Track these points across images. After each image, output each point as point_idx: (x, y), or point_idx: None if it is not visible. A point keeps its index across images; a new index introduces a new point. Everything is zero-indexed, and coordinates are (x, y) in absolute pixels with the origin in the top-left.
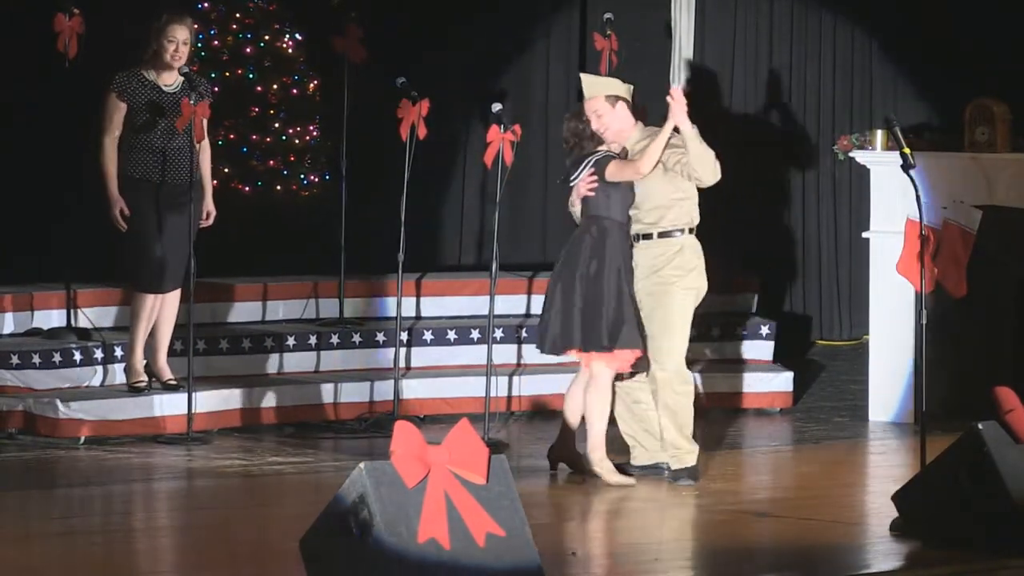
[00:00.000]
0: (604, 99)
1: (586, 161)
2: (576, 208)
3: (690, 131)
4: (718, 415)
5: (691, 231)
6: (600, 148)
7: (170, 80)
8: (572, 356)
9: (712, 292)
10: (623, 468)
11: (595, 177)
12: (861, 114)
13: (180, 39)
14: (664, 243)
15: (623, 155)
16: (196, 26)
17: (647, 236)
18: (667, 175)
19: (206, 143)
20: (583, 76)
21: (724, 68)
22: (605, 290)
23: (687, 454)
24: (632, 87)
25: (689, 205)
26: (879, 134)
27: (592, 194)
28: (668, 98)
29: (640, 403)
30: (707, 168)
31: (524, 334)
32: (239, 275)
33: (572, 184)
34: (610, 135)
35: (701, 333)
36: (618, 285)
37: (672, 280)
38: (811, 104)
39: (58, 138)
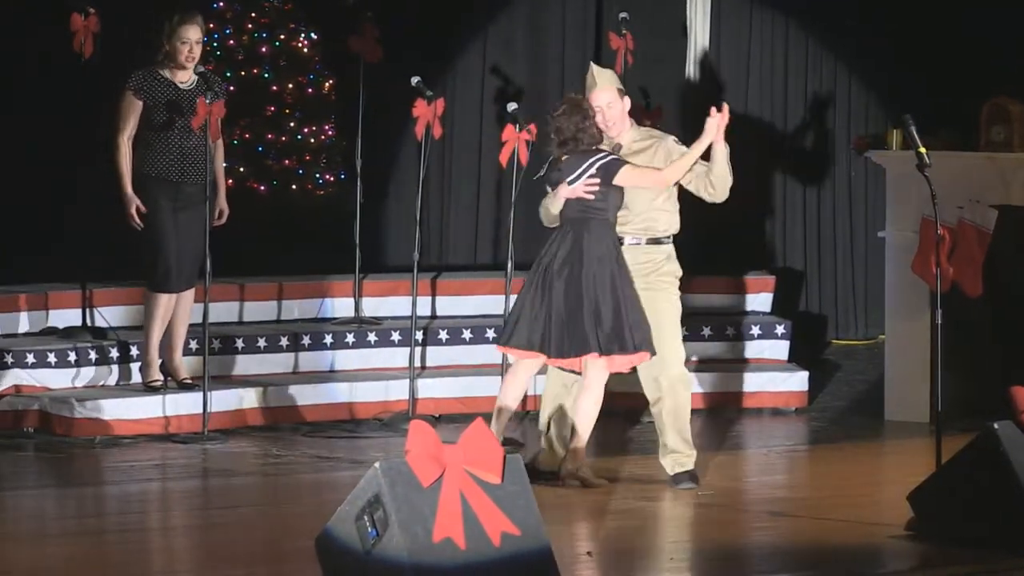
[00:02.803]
0: (616, 91)
1: (590, 162)
2: (556, 206)
3: (723, 151)
4: (733, 415)
5: (672, 240)
6: (601, 148)
7: (185, 78)
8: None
9: (727, 291)
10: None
11: (597, 180)
12: (877, 113)
13: (193, 39)
14: (654, 249)
15: (616, 153)
16: (211, 25)
17: (635, 241)
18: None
19: (220, 142)
20: (594, 66)
21: (740, 66)
22: (608, 293)
23: (687, 457)
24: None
25: (675, 215)
26: (895, 133)
27: (591, 197)
28: (712, 116)
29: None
30: (725, 188)
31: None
32: (254, 274)
33: (570, 184)
34: (615, 130)
35: (716, 332)
36: (619, 287)
37: (663, 286)
38: (827, 102)
39: (73, 137)
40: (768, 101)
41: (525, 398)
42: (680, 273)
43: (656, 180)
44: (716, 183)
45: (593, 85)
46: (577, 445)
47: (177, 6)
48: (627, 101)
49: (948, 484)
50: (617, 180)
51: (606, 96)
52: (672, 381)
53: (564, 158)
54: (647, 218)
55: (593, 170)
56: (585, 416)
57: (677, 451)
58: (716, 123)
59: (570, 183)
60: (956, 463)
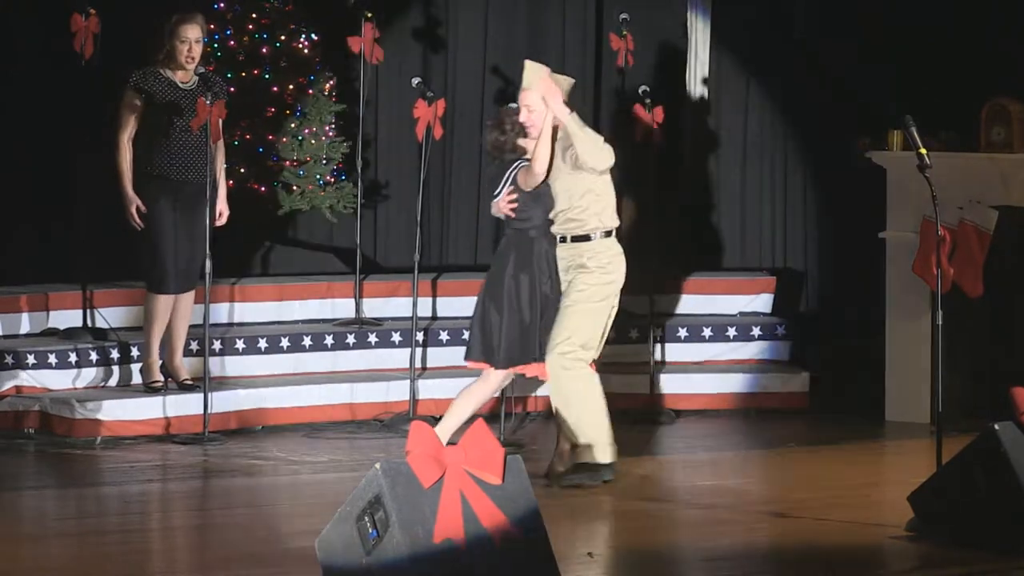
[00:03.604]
0: (541, 96)
1: (506, 176)
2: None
3: (566, 117)
4: (734, 415)
5: (607, 234)
6: (524, 158)
7: (186, 78)
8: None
9: (728, 292)
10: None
11: (515, 194)
12: (878, 113)
13: (192, 38)
14: (579, 246)
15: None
16: (212, 26)
17: (562, 239)
18: (575, 172)
19: (220, 143)
20: (528, 64)
21: (741, 67)
22: (515, 303)
23: (584, 450)
24: (572, 82)
25: (601, 205)
26: (895, 134)
27: (512, 214)
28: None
29: None
30: (594, 154)
31: None
32: (255, 275)
33: (495, 199)
34: (535, 131)
35: (717, 333)
36: (522, 298)
37: (579, 280)
38: (828, 102)
39: (74, 137)
40: (768, 100)
41: (525, 399)
42: (609, 268)
43: (532, 176)
44: (581, 150)
45: (523, 84)
46: (565, 447)
47: (177, 6)
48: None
49: (948, 485)
50: (521, 186)
51: (529, 97)
52: (552, 359)
53: (491, 173)
54: (569, 216)
55: (509, 183)
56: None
57: (572, 439)
58: (547, 98)
59: (494, 198)
60: (956, 464)
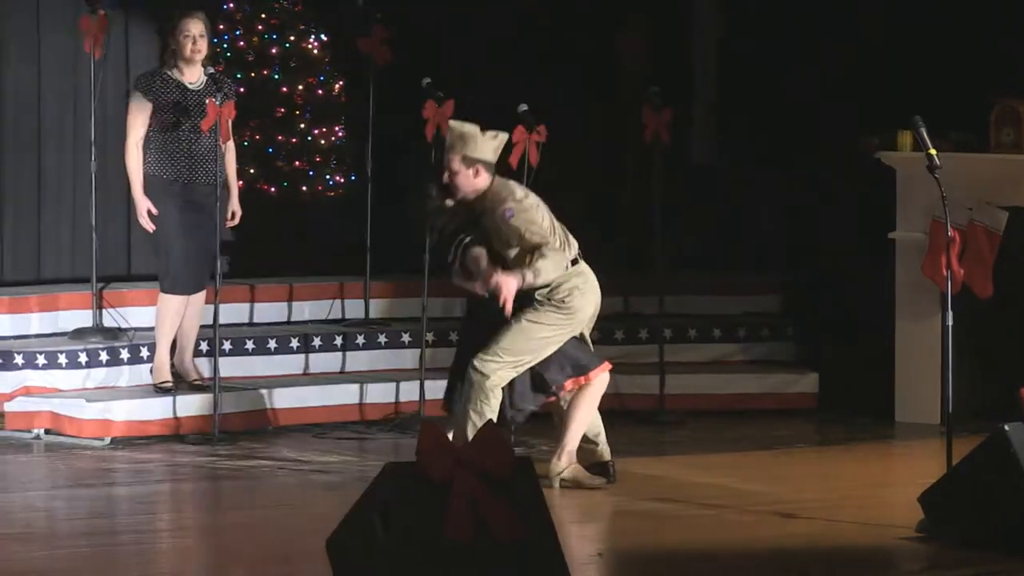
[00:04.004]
0: (463, 158)
1: (453, 252)
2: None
3: (524, 284)
4: (743, 416)
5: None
6: (465, 237)
7: (194, 78)
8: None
9: (737, 293)
10: None
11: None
12: (888, 114)
13: (195, 33)
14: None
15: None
16: (221, 26)
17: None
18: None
19: (231, 144)
20: (450, 124)
21: (751, 64)
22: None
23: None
24: (504, 139)
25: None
26: (905, 135)
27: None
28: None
29: None
30: (557, 273)
31: None
32: (265, 276)
33: (454, 271)
34: (457, 193)
35: (726, 334)
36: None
37: (535, 301)
38: (837, 101)
39: (84, 139)
40: (777, 98)
41: None
42: (568, 301)
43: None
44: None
45: (447, 145)
46: (570, 447)
47: (186, 6)
48: (477, 169)
49: (959, 486)
50: (469, 262)
51: (450, 159)
52: (473, 375)
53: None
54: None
55: (458, 255)
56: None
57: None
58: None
59: (452, 272)
60: (967, 465)
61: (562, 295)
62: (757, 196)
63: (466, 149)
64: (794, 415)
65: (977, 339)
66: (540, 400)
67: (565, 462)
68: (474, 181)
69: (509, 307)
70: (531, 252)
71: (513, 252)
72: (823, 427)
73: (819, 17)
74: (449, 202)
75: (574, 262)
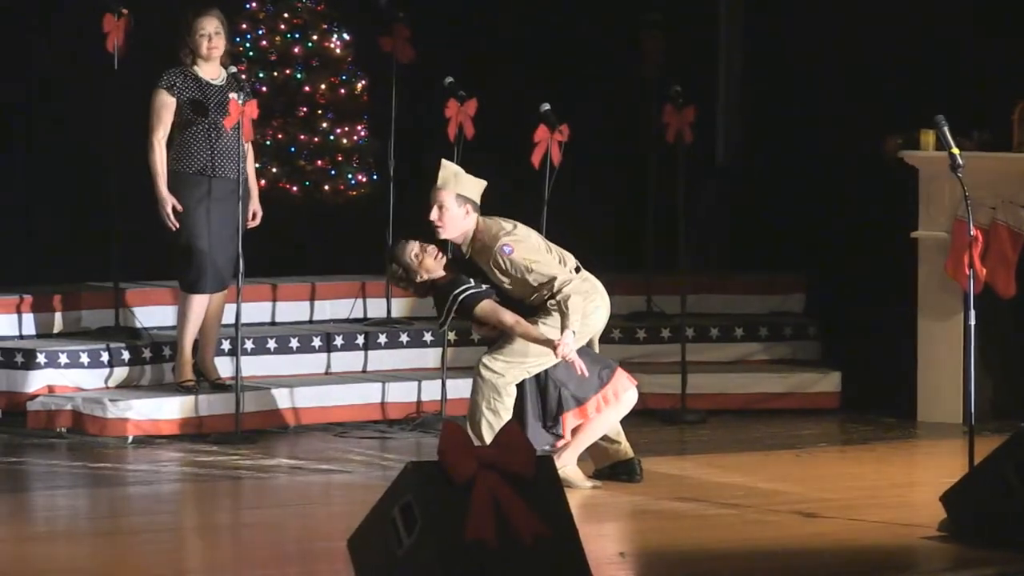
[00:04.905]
0: (456, 196)
1: (450, 302)
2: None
3: (574, 328)
4: (765, 415)
5: (561, 287)
6: (436, 278)
7: (214, 74)
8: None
9: (760, 292)
10: None
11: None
12: (911, 113)
13: (211, 30)
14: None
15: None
16: (244, 26)
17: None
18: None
19: (250, 143)
20: (443, 163)
21: (776, 62)
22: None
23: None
24: (484, 184)
25: (545, 279)
26: (928, 134)
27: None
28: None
29: None
30: (580, 296)
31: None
32: (287, 275)
33: (443, 329)
34: (445, 232)
35: (749, 333)
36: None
37: (548, 306)
38: (863, 101)
39: (108, 137)
40: (801, 99)
41: None
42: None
43: (501, 326)
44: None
45: (438, 183)
46: (574, 447)
47: (207, 5)
48: (468, 210)
49: (981, 485)
50: (479, 316)
51: (441, 196)
52: (480, 370)
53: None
54: (528, 304)
55: (453, 313)
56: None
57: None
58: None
59: (440, 327)
60: (989, 464)
61: (565, 298)
62: (780, 195)
63: (459, 188)
64: (816, 415)
65: (1000, 339)
66: (549, 441)
67: (563, 460)
68: (464, 221)
69: (577, 363)
70: (548, 293)
71: (530, 299)
72: (845, 427)
73: (843, 16)
74: (428, 263)
75: (576, 270)
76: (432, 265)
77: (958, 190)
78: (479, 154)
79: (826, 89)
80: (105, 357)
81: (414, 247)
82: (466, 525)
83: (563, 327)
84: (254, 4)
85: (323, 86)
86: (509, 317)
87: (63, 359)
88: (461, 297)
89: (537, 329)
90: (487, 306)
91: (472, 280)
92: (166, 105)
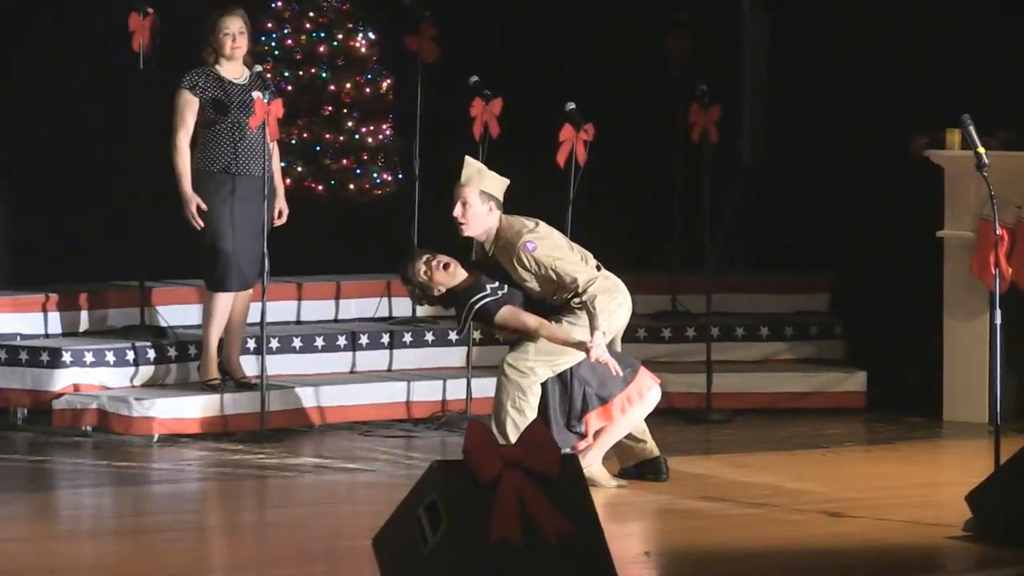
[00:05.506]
0: (480, 192)
1: (466, 312)
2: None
3: (603, 329)
4: (791, 415)
5: (587, 287)
6: (478, 299)
7: (237, 74)
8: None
9: (785, 291)
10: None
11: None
12: (936, 112)
13: (234, 30)
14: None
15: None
16: (269, 25)
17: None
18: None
19: (275, 142)
20: (467, 159)
21: (802, 61)
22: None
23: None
24: (507, 183)
25: (568, 279)
26: (953, 133)
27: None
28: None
29: None
30: (605, 294)
31: None
32: (312, 274)
33: (459, 334)
34: (468, 229)
35: (774, 332)
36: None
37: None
38: (888, 101)
39: (132, 136)
40: (827, 98)
41: None
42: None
43: (524, 328)
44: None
45: (462, 180)
46: (598, 446)
47: (230, 4)
48: (492, 207)
49: (1007, 485)
50: (499, 322)
51: (465, 193)
52: (505, 367)
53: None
54: (550, 304)
55: (471, 320)
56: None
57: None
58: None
59: (458, 333)
60: (1015, 463)
61: (591, 298)
62: (805, 194)
63: (483, 184)
64: (842, 414)
65: None
66: (572, 440)
67: (588, 460)
68: (487, 218)
69: (611, 363)
70: (571, 292)
71: (552, 297)
72: (871, 426)
73: (869, 14)
74: (439, 276)
75: (597, 268)
76: (444, 277)
77: (984, 189)
78: (504, 153)
79: (852, 88)
80: (131, 356)
81: (420, 265)
82: (491, 524)
83: (592, 328)
84: (279, 3)
85: (348, 85)
86: (532, 320)
87: (89, 358)
88: (477, 306)
89: (564, 331)
90: (507, 312)
91: (493, 284)
92: (188, 105)
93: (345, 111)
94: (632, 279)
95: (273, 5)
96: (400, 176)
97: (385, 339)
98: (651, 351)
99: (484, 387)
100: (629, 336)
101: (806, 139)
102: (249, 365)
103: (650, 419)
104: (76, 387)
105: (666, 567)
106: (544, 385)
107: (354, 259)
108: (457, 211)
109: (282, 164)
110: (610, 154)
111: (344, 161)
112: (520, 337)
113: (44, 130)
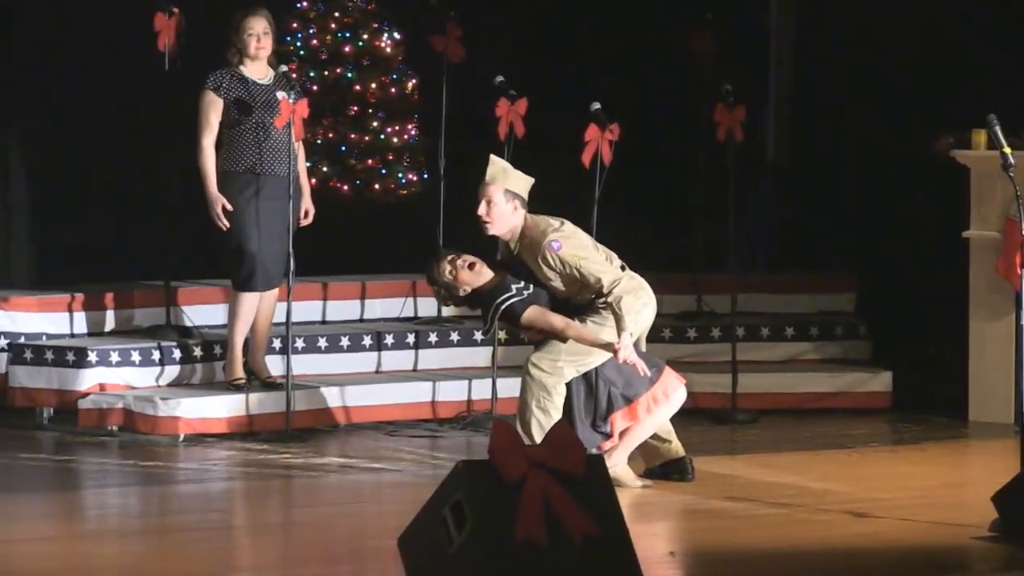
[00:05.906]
0: (504, 191)
1: (492, 312)
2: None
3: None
4: (816, 415)
5: (612, 288)
6: (480, 288)
7: (261, 74)
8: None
9: (810, 291)
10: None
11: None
12: (962, 112)
13: (259, 30)
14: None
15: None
16: (295, 25)
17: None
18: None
19: (301, 142)
20: (492, 158)
21: (827, 61)
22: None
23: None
24: (532, 181)
25: (593, 278)
26: (979, 133)
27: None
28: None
29: None
30: (630, 294)
31: None
32: (337, 273)
33: (484, 335)
34: (493, 228)
35: (799, 332)
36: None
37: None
38: (914, 101)
39: (158, 136)
40: (852, 98)
41: None
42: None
43: (551, 329)
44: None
45: (486, 178)
46: (624, 446)
47: (255, 5)
48: (516, 205)
49: None
50: (525, 322)
51: (490, 192)
52: (529, 367)
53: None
54: (575, 303)
55: (498, 321)
56: (655, 426)
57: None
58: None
59: (484, 334)
60: None
61: (617, 299)
62: (831, 195)
63: (508, 183)
64: (867, 414)
65: None
66: (597, 440)
67: (614, 460)
68: (512, 217)
69: (639, 364)
70: (596, 292)
71: (577, 297)
72: (896, 426)
73: (894, 14)
74: (464, 276)
75: (621, 268)
76: (470, 277)
77: (1010, 189)
78: (529, 154)
79: (876, 88)
80: (156, 355)
81: (445, 265)
82: (516, 524)
83: (619, 329)
84: (305, 3)
85: (374, 85)
86: (559, 321)
87: (114, 357)
88: (504, 306)
89: (590, 331)
90: (533, 312)
91: (518, 283)
92: (213, 105)
93: (370, 111)
94: (656, 279)
95: (298, 5)
96: (425, 176)
97: (411, 339)
98: (676, 351)
99: (509, 387)
100: (654, 336)
101: (831, 139)
102: (275, 365)
103: (675, 419)
104: (102, 387)
105: (691, 567)
106: (569, 385)
107: (379, 259)
108: (482, 209)
109: (307, 164)
110: (635, 154)
111: (369, 161)
112: (545, 337)
113: (70, 130)
